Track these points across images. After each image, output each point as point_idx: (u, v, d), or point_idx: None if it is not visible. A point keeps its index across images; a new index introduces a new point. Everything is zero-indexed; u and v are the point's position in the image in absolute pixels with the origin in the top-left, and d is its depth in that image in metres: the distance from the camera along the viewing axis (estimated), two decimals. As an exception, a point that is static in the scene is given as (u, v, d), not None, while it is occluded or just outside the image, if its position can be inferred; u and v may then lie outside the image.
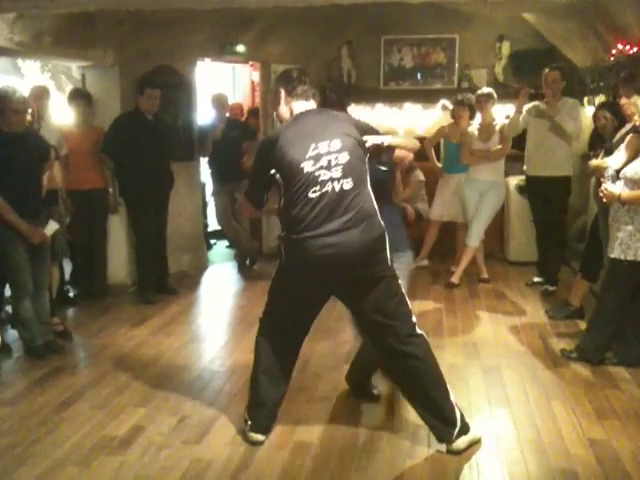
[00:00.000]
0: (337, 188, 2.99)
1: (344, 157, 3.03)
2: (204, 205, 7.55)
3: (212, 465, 3.10)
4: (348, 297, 3.23)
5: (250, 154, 6.76)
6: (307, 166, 3.01)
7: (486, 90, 6.00)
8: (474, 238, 5.95)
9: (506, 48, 7.56)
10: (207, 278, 6.66)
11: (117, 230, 5.99)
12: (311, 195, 2.99)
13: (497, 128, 5.88)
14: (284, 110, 3.24)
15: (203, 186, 7.45)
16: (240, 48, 6.87)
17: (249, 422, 3.33)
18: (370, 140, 3.17)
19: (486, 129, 5.91)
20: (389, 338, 3.12)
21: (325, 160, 3.01)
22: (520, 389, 3.88)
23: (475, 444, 3.20)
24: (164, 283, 5.92)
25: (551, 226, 5.76)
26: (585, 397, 3.75)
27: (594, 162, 4.60)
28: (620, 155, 4.12)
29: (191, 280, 6.43)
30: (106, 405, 3.74)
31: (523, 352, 4.45)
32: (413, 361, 3.12)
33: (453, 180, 6.24)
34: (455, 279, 6.01)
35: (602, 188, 4.04)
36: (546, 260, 5.90)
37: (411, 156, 3.65)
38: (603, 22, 6.12)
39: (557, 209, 5.73)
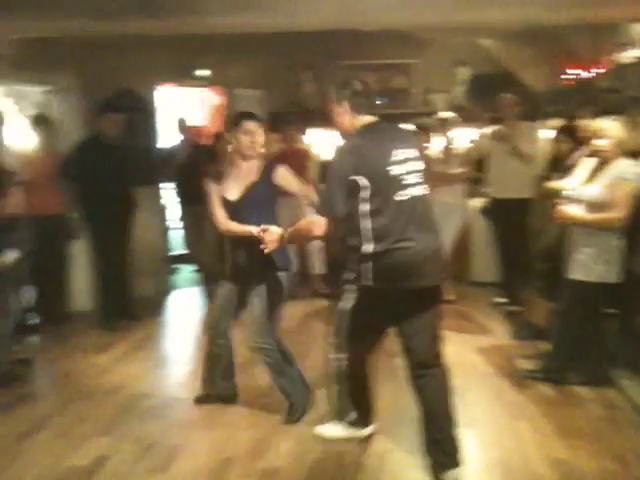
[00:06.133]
0: (418, 193, 3.06)
1: (420, 165, 3.12)
2: (166, 229, 7.49)
3: (179, 494, 3.07)
4: (415, 309, 3.14)
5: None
6: (393, 170, 3.01)
7: (444, 114, 6.11)
8: (438, 260, 6.01)
9: (465, 73, 7.72)
10: (171, 303, 6.59)
11: (79, 255, 5.90)
12: (398, 198, 3.00)
13: (457, 151, 5.98)
14: (348, 123, 3.17)
15: (164, 210, 7.39)
16: (202, 72, 6.88)
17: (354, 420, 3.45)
18: None
19: (446, 152, 6.01)
20: (426, 344, 3.15)
21: (409, 165, 3.06)
22: (486, 410, 3.92)
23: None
24: (127, 309, 5.84)
25: (514, 247, 5.87)
26: (550, 417, 3.80)
27: (552, 184, 4.71)
28: (576, 178, 4.23)
29: (154, 305, 6.35)
30: (69, 435, 3.66)
31: (488, 373, 4.51)
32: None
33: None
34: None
35: (559, 210, 4.13)
36: (509, 281, 5.99)
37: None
38: (556, 47, 6.31)
39: (518, 230, 5.84)
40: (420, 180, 3.09)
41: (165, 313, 6.32)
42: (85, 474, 3.23)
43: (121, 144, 5.77)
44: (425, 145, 6.14)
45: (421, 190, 3.08)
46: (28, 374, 4.59)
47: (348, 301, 3.18)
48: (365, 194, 2.96)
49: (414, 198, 3.03)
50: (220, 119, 7.79)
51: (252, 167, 3.76)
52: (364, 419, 3.50)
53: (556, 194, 4.54)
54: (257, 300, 3.71)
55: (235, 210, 3.69)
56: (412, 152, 3.10)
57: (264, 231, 3.37)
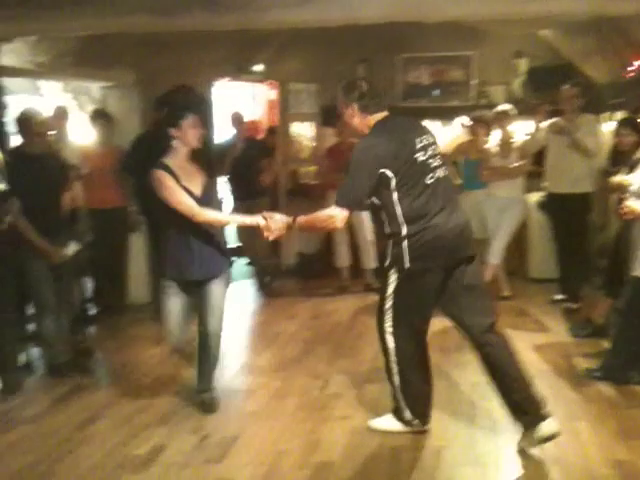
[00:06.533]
0: (442, 175, 3.25)
1: (438, 148, 3.32)
2: (221, 223, 7.56)
3: (234, 485, 3.09)
4: (456, 285, 3.28)
5: (268, 172, 6.80)
6: (420, 156, 3.18)
7: (504, 107, 6.00)
8: (495, 255, 5.91)
9: (523, 64, 7.57)
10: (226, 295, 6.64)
11: (138, 248, 6.02)
12: (428, 181, 3.18)
13: (516, 144, 5.87)
14: (360, 124, 3.32)
15: (220, 203, 7.46)
16: (257, 67, 6.92)
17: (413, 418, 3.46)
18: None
19: (505, 146, 5.90)
20: (478, 316, 3.29)
21: (430, 150, 3.23)
22: (544, 408, 3.83)
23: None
24: (183, 301, 5.92)
25: (572, 243, 5.73)
26: (610, 417, 3.69)
27: (616, 179, 4.57)
28: (642, 172, 4.10)
29: (210, 297, 6.41)
30: (127, 423, 3.74)
31: (546, 371, 4.40)
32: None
33: (472, 196, 6.20)
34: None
35: (624, 205, 4.01)
36: (568, 277, 5.85)
37: None
38: (620, 38, 6.11)
39: (578, 225, 5.70)
40: (441, 162, 3.26)
41: (220, 306, 6.37)
42: (142, 463, 3.29)
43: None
44: (483, 139, 6.06)
45: (443, 171, 3.27)
46: (88, 364, 4.70)
47: (389, 287, 3.26)
48: (393, 183, 3.12)
49: (439, 179, 3.22)
50: (274, 114, 7.83)
51: (193, 164, 3.81)
52: (419, 413, 3.47)
53: (620, 189, 4.42)
54: (216, 291, 3.93)
55: (202, 205, 3.68)
56: (430, 138, 3.29)
57: (268, 218, 3.42)
